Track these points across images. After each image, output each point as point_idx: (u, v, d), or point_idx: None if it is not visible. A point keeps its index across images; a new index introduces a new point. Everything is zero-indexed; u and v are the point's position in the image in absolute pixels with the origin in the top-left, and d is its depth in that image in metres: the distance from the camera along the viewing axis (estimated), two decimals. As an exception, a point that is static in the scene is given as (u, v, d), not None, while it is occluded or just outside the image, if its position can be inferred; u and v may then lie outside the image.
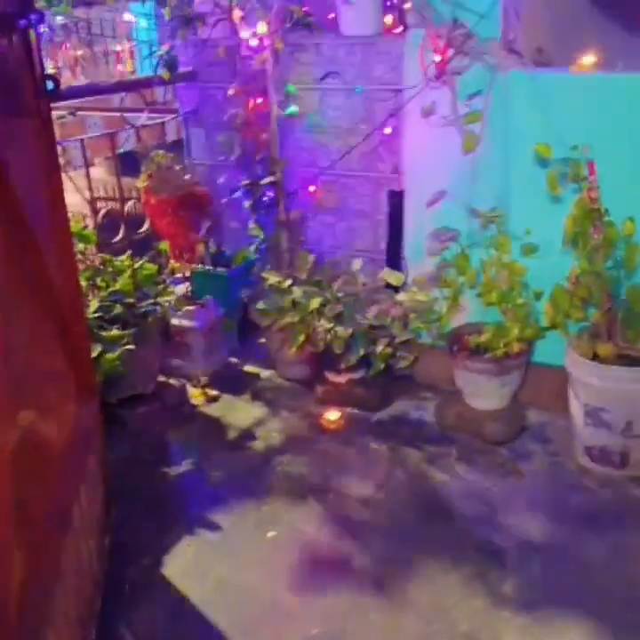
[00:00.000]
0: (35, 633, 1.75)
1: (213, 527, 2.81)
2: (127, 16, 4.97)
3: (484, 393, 3.33)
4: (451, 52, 3.09)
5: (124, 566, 2.62)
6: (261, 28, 3.36)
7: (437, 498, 2.93)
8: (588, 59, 3.00)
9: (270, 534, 2.77)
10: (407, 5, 3.24)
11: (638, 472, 2.94)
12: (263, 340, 3.88)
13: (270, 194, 3.71)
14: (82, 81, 7.24)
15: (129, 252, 3.63)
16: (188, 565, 2.64)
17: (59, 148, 4.71)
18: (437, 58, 3.13)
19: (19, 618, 1.65)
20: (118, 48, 6.12)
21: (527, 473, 3.04)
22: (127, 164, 3.93)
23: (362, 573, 2.57)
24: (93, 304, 3.21)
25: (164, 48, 3.47)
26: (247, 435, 3.38)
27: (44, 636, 1.83)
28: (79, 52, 7.32)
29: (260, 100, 3.61)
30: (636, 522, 2.74)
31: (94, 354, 2.92)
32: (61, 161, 5.86)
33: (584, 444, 3.03)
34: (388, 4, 3.54)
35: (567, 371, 3.03)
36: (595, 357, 2.95)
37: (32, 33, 2.17)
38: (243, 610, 2.45)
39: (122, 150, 6.21)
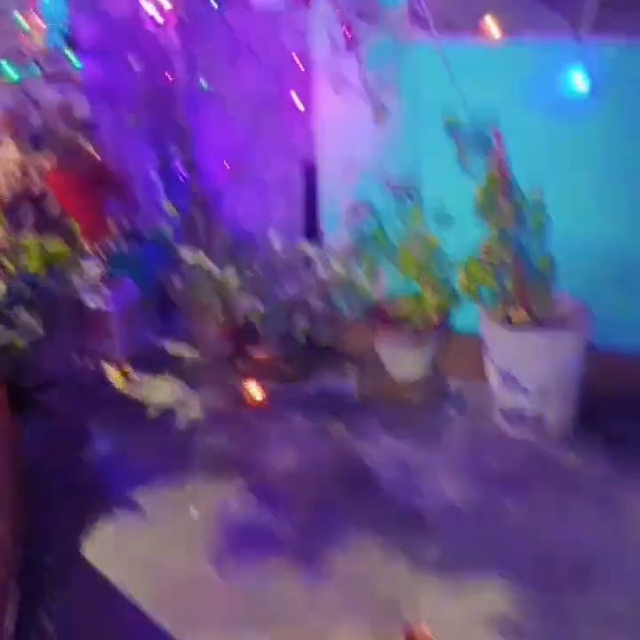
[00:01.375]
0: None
1: (134, 508, 2.77)
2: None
3: (405, 363, 3.37)
4: (358, 22, 3.07)
5: (42, 551, 2.56)
6: (166, 2, 3.27)
7: (359, 467, 2.96)
8: (494, 27, 3.02)
9: (192, 511, 2.75)
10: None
11: (552, 433, 3.03)
12: (183, 318, 3.83)
13: (182, 170, 3.64)
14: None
15: (38, 232, 3.52)
16: (108, 548, 2.60)
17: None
18: (345, 28, 3.11)
19: None
20: (23, 22, 5.87)
21: (447, 438, 3.10)
22: (37, 141, 3.79)
23: (284, 545, 2.58)
24: (0, 287, 3.09)
25: (67, 22, 3.34)
26: (168, 414, 3.32)
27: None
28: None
29: (168, 76, 3.53)
30: (551, 482, 2.83)
31: (3, 339, 2.83)
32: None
33: (501, 407, 3.10)
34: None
35: (483, 337, 3.08)
36: (508, 323, 3.01)
37: None
38: (163, 588, 2.43)
39: (31, 128, 5.96)
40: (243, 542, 2.61)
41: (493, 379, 3.10)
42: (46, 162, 3.51)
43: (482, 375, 3.18)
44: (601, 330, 2.95)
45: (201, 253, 3.57)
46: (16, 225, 3.61)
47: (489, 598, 2.33)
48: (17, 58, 3.61)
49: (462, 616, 2.27)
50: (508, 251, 2.95)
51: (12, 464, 2.64)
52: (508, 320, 3.03)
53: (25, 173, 3.69)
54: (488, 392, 3.15)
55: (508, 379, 3.02)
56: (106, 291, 3.63)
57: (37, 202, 3.68)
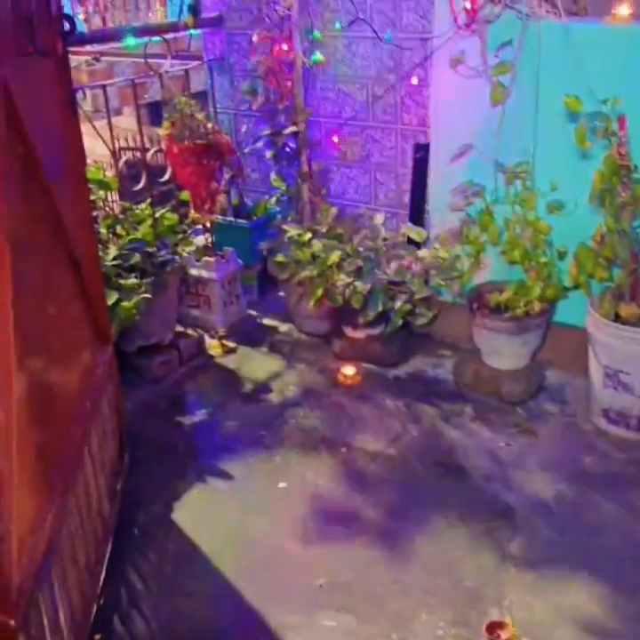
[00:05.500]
0: (37, 570, 1.77)
1: (224, 476, 2.83)
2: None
3: (503, 352, 3.29)
4: (481, -1, 2.99)
5: (134, 511, 2.65)
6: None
7: (450, 455, 2.92)
8: (624, 9, 2.88)
9: (281, 485, 2.78)
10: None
11: (656, 436, 2.91)
12: (282, 294, 3.86)
13: (293, 145, 3.65)
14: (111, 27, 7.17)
15: (149, 200, 3.61)
16: (197, 513, 2.67)
17: (87, 94, 4.70)
18: (468, 5, 3.02)
19: (19, 553, 1.67)
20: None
21: (542, 433, 3.01)
22: (156, 113, 3.89)
23: (370, 526, 2.58)
24: (111, 252, 3.20)
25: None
26: (262, 387, 3.39)
27: (47, 576, 1.86)
28: (109, -2, 7.24)
29: (285, 47, 3.54)
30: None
31: (111, 301, 2.92)
32: (90, 108, 5.84)
33: (602, 405, 2.99)
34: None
35: (588, 331, 2.97)
36: (617, 318, 2.89)
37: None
38: (249, 558, 2.47)
39: (151, 99, 6.15)
40: (329, 520, 2.62)
41: (596, 375, 2.98)
42: (162, 131, 3.58)
43: (584, 370, 3.07)
44: None
45: (305, 229, 3.59)
46: (130, 192, 3.72)
47: (576, 597, 2.27)
48: (140, 28, 3.68)
49: (547, 613, 2.22)
50: (622, 242, 2.82)
51: (116, 425, 2.74)
52: (617, 315, 2.90)
53: (141, 142, 3.79)
54: (589, 387, 3.04)
55: (613, 376, 2.90)
56: (210, 261, 3.70)
57: (152, 170, 3.77)
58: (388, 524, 2.59)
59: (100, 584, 2.32)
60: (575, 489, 2.70)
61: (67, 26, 2.33)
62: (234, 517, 2.64)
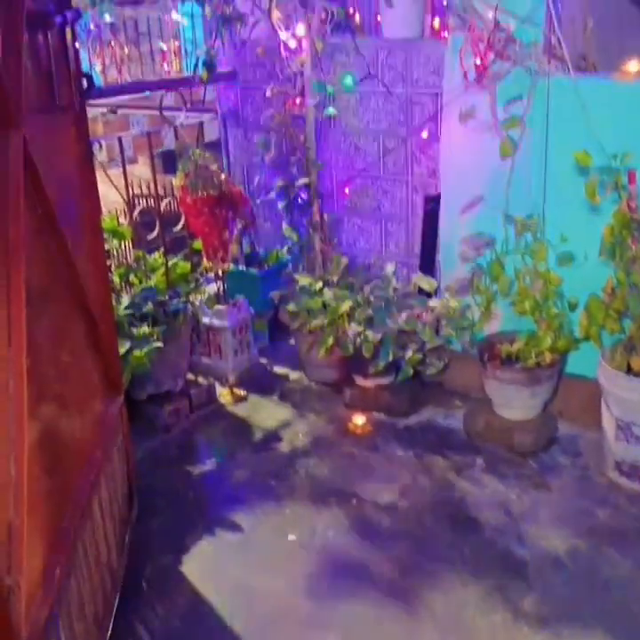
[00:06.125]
0: (45, 623, 1.75)
1: (234, 528, 2.81)
2: (174, 15, 5.02)
3: (514, 403, 3.27)
4: (491, 56, 3.05)
5: (143, 563, 2.63)
6: (300, 29, 3.35)
7: (461, 507, 2.89)
8: (633, 66, 2.93)
9: (290, 538, 2.75)
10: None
11: (670, 490, 2.87)
12: (293, 342, 3.87)
13: (304, 195, 3.70)
14: (127, 79, 7.33)
15: (162, 249, 3.66)
16: (206, 565, 2.64)
17: (103, 145, 4.79)
18: (478, 62, 3.08)
19: (27, 606, 1.66)
20: (164, 47, 6.17)
21: (554, 485, 2.98)
22: (169, 161, 3.96)
23: (381, 581, 2.54)
24: (124, 301, 3.23)
25: (204, 49, 3.48)
26: (273, 436, 3.38)
27: (54, 629, 1.84)
28: (126, 51, 7.42)
29: (297, 101, 3.61)
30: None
31: (123, 350, 2.94)
32: (105, 157, 5.93)
33: (615, 458, 2.96)
34: (436, 5, 3.53)
35: (600, 383, 2.96)
36: (629, 371, 2.88)
37: (69, 30, 2.18)
38: (259, 613, 2.44)
39: (165, 149, 6.25)
40: (339, 574, 2.59)
41: (609, 427, 2.96)
42: (176, 181, 3.64)
43: (596, 422, 3.05)
44: None
45: (316, 278, 3.61)
46: (143, 241, 3.77)
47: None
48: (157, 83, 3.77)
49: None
50: (633, 295, 2.82)
51: (126, 474, 2.73)
52: (629, 367, 2.89)
53: (155, 191, 3.85)
54: (602, 439, 3.02)
55: (625, 429, 2.88)
56: (222, 309, 3.73)
57: (165, 218, 3.82)
58: (399, 579, 2.55)
59: (108, 637, 2.28)
60: (589, 544, 2.66)
61: (85, 83, 2.39)
62: (243, 571, 2.61)
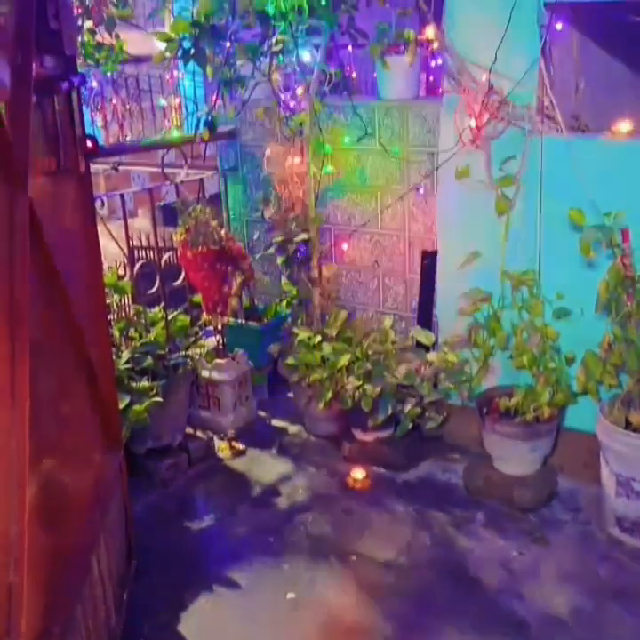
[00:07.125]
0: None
1: (232, 585, 2.78)
2: (175, 73, 5.15)
3: (514, 457, 3.27)
4: (486, 117, 3.12)
5: (141, 620, 2.59)
6: (300, 91, 3.44)
7: (462, 564, 2.86)
8: (624, 126, 3.01)
9: (289, 596, 2.72)
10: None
11: (671, 546, 2.85)
12: (292, 395, 3.88)
13: (303, 250, 3.74)
14: (128, 134, 7.48)
15: (163, 303, 3.69)
16: (204, 624, 2.61)
17: (105, 201, 4.86)
18: (473, 122, 3.16)
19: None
20: (164, 103, 6.32)
21: (555, 542, 2.96)
22: (170, 214, 4.02)
23: (381, 640, 2.52)
24: (124, 355, 3.24)
25: (205, 109, 3.56)
26: (272, 490, 3.36)
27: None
28: (127, 107, 7.59)
29: (297, 159, 3.68)
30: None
31: (122, 405, 2.95)
32: (105, 211, 6.00)
33: (615, 514, 2.95)
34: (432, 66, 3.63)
35: (599, 438, 2.97)
36: (627, 426, 2.89)
37: (74, 94, 2.25)
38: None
39: (165, 202, 6.33)
40: (339, 634, 2.56)
41: (609, 482, 2.96)
42: (177, 236, 3.69)
43: (597, 476, 3.04)
44: None
45: (314, 332, 3.64)
46: (143, 294, 3.80)
47: None
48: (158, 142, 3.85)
49: None
50: (630, 350, 2.85)
51: (124, 531, 2.71)
52: (627, 422, 2.90)
53: (155, 245, 3.90)
54: (602, 495, 3.01)
55: (625, 484, 2.87)
56: (221, 363, 3.74)
57: (165, 273, 3.86)
58: (400, 638, 2.52)
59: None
60: (591, 602, 2.64)
61: (90, 144, 2.44)
62: (242, 629, 2.58)
